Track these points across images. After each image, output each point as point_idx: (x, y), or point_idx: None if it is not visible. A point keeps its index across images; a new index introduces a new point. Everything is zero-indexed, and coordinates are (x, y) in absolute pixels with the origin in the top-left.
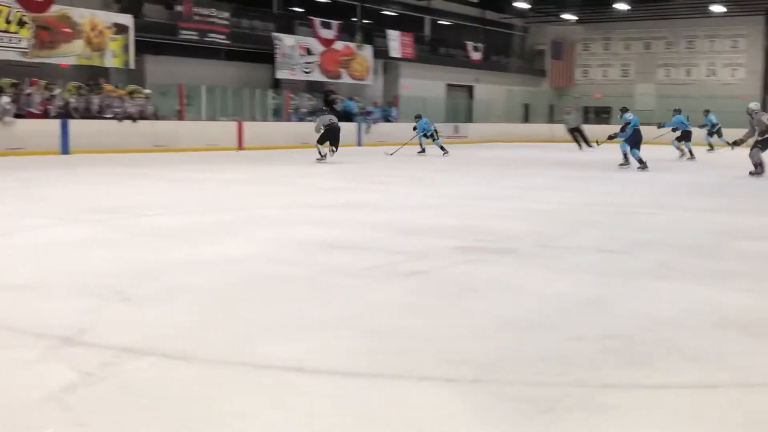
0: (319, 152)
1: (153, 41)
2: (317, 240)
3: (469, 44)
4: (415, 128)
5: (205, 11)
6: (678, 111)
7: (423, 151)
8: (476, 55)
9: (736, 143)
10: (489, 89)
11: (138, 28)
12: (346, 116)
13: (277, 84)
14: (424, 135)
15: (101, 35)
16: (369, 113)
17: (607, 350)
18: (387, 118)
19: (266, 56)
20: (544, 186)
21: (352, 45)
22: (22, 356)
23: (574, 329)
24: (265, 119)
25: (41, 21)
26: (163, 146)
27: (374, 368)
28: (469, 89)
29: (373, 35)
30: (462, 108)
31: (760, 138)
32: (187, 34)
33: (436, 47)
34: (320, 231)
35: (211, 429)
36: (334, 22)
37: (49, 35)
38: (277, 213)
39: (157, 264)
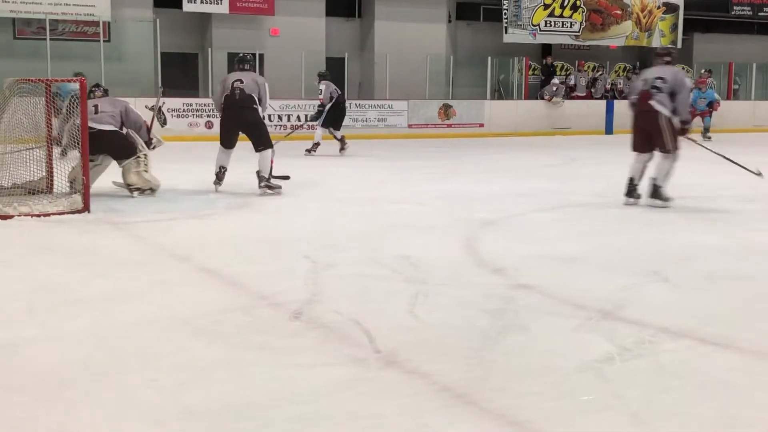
0: None
1: (703, 19)
2: None
3: None
4: None
5: None
6: None
7: None
8: None
9: None
10: None
11: (688, 6)
12: None
13: None
14: None
15: (650, 15)
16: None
17: None
18: None
19: None
20: None
21: None
22: (564, 324)
23: None
24: None
25: (594, 4)
26: None
27: None
28: None
29: None
30: None
31: None
32: (740, 10)
33: None
34: None
35: (750, 420)
36: None
37: (600, 18)
38: None
39: (693, 247)
